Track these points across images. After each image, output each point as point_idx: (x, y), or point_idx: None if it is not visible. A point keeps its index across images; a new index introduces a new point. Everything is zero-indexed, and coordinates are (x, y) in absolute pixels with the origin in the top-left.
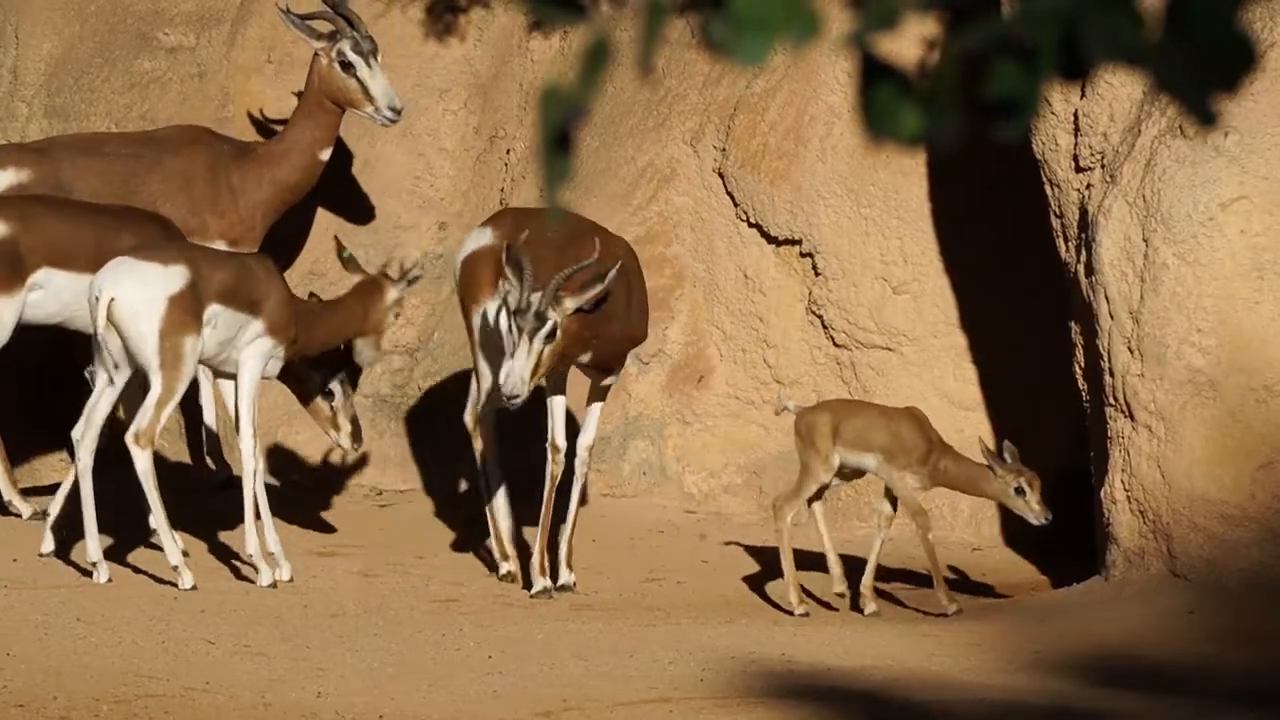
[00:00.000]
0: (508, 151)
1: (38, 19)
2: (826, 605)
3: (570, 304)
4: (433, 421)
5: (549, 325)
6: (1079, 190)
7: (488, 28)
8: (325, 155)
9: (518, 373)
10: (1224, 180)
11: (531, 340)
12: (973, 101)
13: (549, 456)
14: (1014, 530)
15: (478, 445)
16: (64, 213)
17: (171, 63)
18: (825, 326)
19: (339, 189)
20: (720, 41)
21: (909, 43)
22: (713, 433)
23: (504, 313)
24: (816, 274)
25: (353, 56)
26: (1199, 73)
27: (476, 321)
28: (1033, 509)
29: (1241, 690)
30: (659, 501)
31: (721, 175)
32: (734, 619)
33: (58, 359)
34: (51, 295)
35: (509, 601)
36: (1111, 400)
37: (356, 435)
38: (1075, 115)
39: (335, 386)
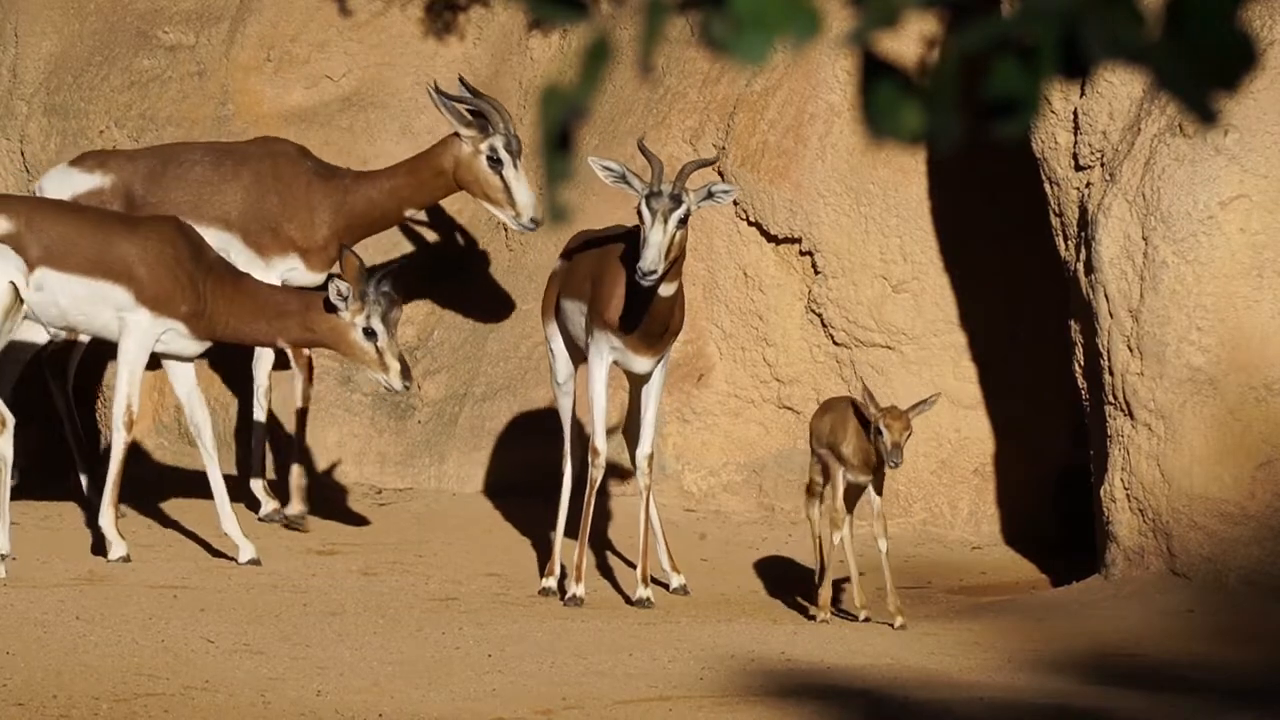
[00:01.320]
0: None
1: (37, 17)
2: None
3: (694, 198)
4: (432, 420)
5: (684, 208)
6: (1078, 189)
7: (487, 26)
8: (410, 215)
9: (654, 248)
10: (1223, 179)
11: (667, 221)
12: (973, 100)
13: (589, 461)
14: (1014, 529)
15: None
16: (67, 215)
17: (171, 61)
18: (825, 325)
19: None
20: (721, 40)
21: (909, 41)
22: (712, 431)
23: (641, 202)
24: (816, 272)
25: (504, 155)
26: (1199, 71)
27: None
28: None
29: (1241, 688)
30: (658, 500)
31: (721, 173)
32: (733, 618)
33: None
34: (48, 297)
35: (508, 600)
36: (1111, 399)
37: (406, 374)
38: (1075, 114)
39: (377, 325)
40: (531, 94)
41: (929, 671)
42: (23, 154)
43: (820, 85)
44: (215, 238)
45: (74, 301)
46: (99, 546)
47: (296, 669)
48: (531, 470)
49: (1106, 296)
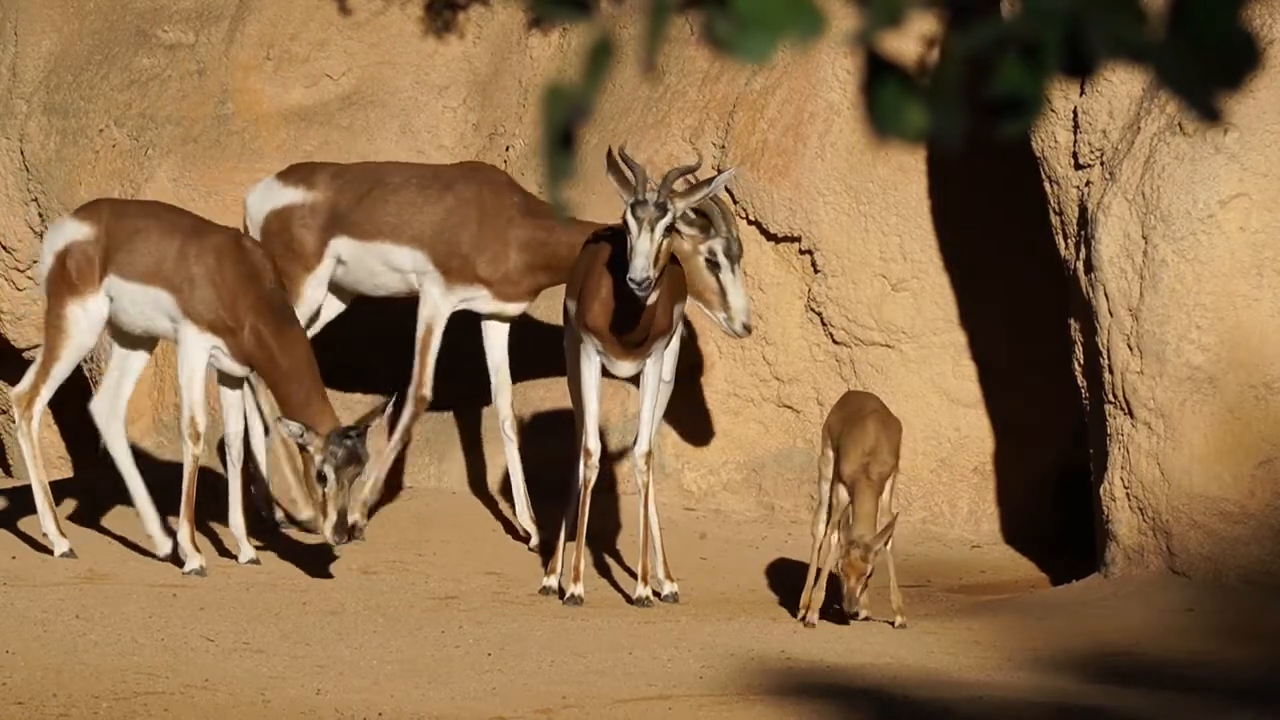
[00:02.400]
0: (507, 149)
1: (37, 16)
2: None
3: (681, 203)
4: (432, 419)
5: (669, 216)
6: (1078, 187)
7: (487, 25)
8: None
9: (642, 257)
10: (1223, 177)
11: (654, 230)
12: (976, 99)
13: (582, 461)
14: (1013, 527)
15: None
16: (140, 221)
17: (170, 60)
18: (824, 324)
19: None
20: (724, 39)
21: (912, 40)
22: (712, 430)
23: (626, 210)
24: (816, 271)
25: (723, 259)
26: (1202, 70)
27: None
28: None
29: (1241, 687)
30: (658, 498)
31: (720, 172)
32: (733, 616)
33: None
34: (118, 304)
35: (508, 599)
36: (1111, 397)
37: (339, 529)
38: (1075, 112)
39: (329, 472)
40: (531, 92)
41: (929, 670)
42: (22, 152)
43: (820, 84)
44: (409, 257)
45: (138, 308)
46: (175, 556)
47: (296, 667)
48: (531, 468)
49: (1106, 295)
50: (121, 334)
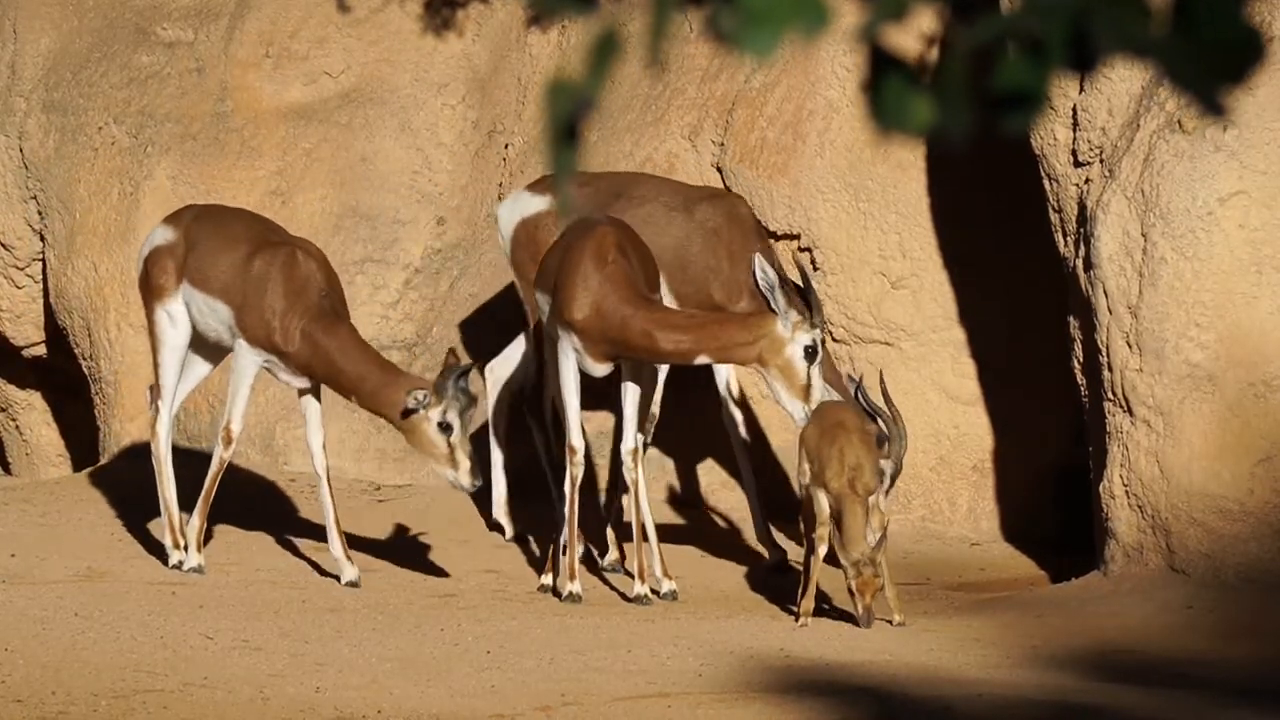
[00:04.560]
0: (506, 146)
1: (36, 13)
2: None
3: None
4: None
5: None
6: (1077, 185)
7: (486, 22)
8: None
9: (819, 393)
10: (1222, 175)
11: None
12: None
13: (567, 459)
14: (1013, 525)
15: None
16: (213, 228)
17: (170, 57)
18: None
19: (338, 185)
20: (729, 34)
21: (915, 36)
22: (712, 428)
23: (805, 344)
24: (815, 268)
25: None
26: (1206, 65)
27: None
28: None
29: (1240, 685)
30: (656, 496)
31: (720, 170)
32: (732, 614)
33: None
34: (192, 310)
35: (507, 596)
36: (1110, 395)
37: (475, 471)
38: (1074, 110)
39: (454, 419)
40: (530, 90)
41: (928, 668)
42: (21, 150)
43: (819, 81)
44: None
45: (204, 318)
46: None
47: (295, 666)
48: (530, 467)
49: (1105, 293)
50: (196, 338)
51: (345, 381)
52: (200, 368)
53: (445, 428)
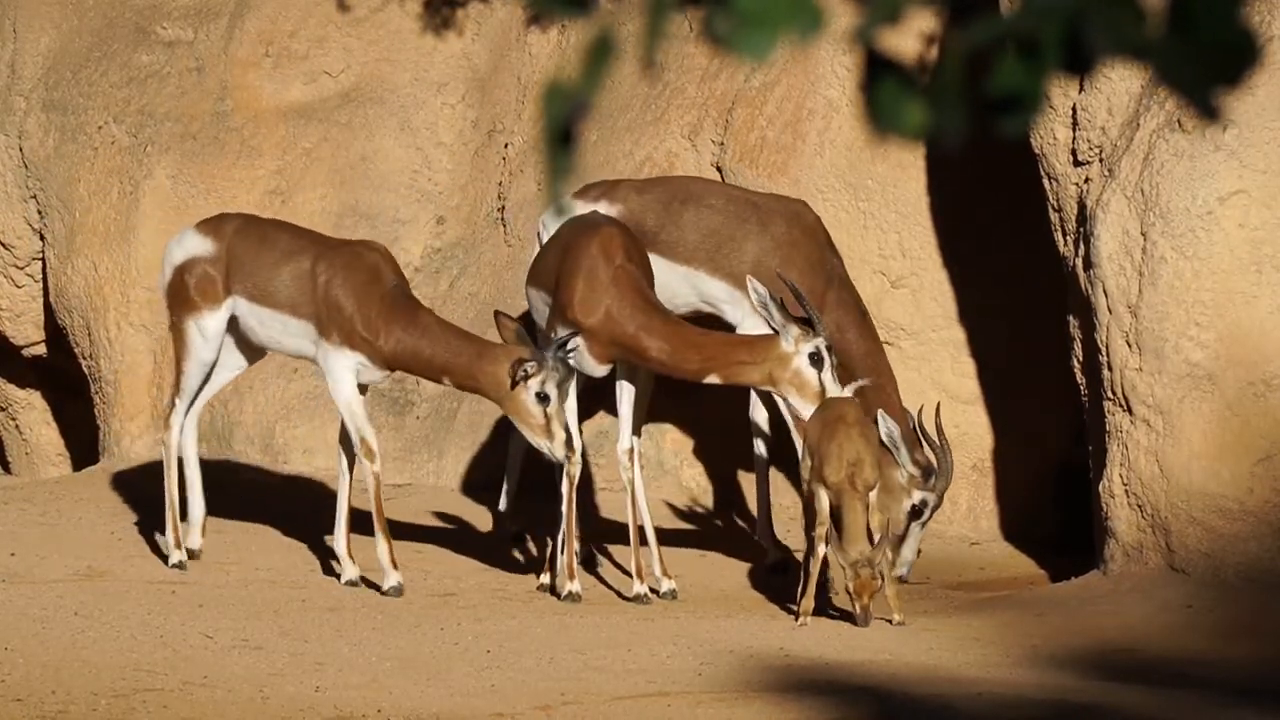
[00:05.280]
0: (506, 146)
1: (36, 13)
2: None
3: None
4: (431, 416)
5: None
6: (1077, 184)
7: (486, 22)
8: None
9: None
10: (1222, 174)
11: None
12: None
13: (565, 458)
14: (1012, 524)
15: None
16: (260, 239)
17: (169, 56)
18: None
19: (337, 184)
20: (724, 37)
21: (911, 38)
22: (711, 427)
23: (810, 353)
24: None
25: (927, 513)
26: (1202, 67)
27: None
28: None
29: (1240, 684)
30: (657, 495)
31: (719, 169)
32: (732, 613)
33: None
34: (246, 323)
35: (507, 596)
36: (1110, 394)
37: (569, 444)
38: (1073, 109)
39: (551, 390)
40: (530, 90)
41: (928, 667)
42: (21, 149)
43: (819, 81)
44: (723, 289)
45: (268, 330)
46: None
47: (295, 665)
48: (530, 465)
49: (1105, 292)
50: (238, 340)
51: (437, 364)
52: (230, 370)
53: (543, 398)
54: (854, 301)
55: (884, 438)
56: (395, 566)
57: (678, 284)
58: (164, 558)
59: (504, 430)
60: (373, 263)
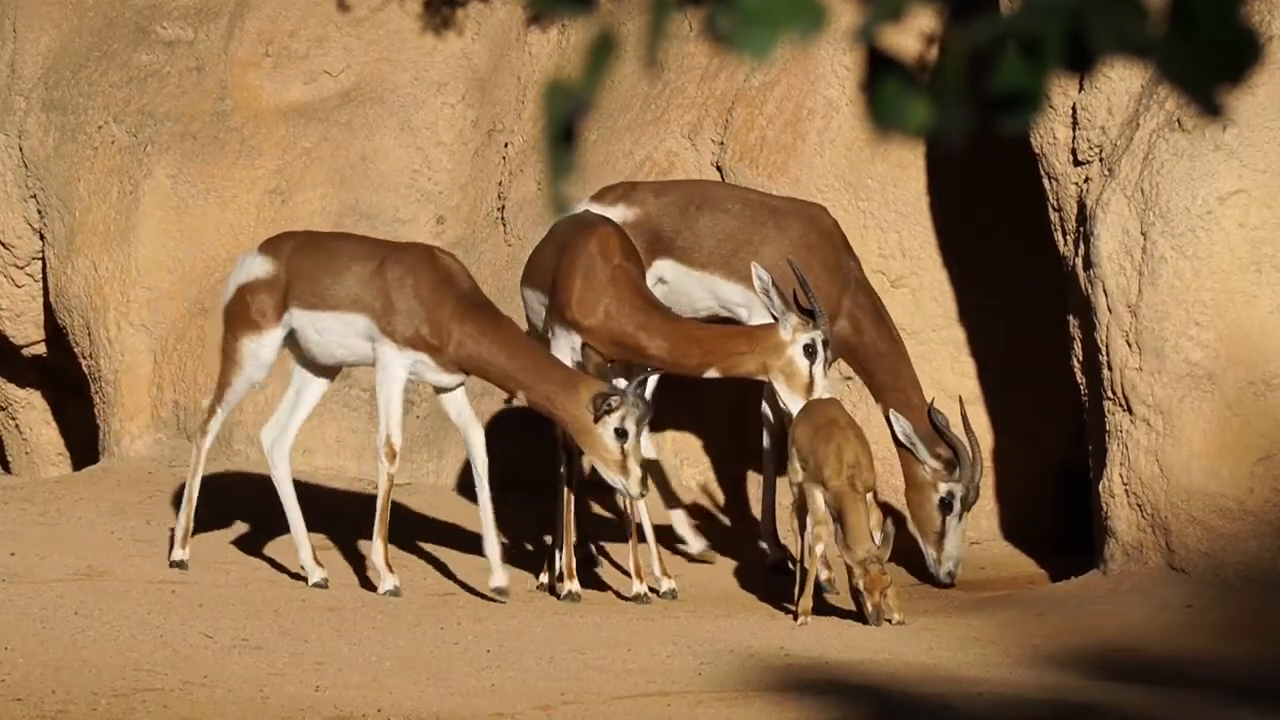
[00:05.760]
0: (506, 145)
1: (35, 12)
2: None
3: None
4: (431, 415)
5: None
6: (1077, 184)
7: (486, 21)
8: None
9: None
10: (1222, 174)
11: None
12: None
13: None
14: (1012, 524)
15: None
16: (318, 249)
17: (169, 56)
18: None
19: (337, 184)
20: (726, 35)
21: (913, 36)
22: (712, 427)
23: (805, 343)
24: None
25: (957, 504)
26: (1204, 65)
27: None
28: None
29: (1240, 684)
30: (656, 495)
31: (719, 168)
32: (732, 613)
33: None
34: (303, 334)
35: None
36: (1110, 394)
37: (644, 482)
38: (1073, 109)
39: (630, 426)
40: (530, 89)
41: (928, 666)
42: (21, 149)
43: (819, 80)
44: (739, 293)
45: (328, 336)
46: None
47: (295, 664)
48: (530, 465)
49: (1105, 292)
50: (308, 362)
51: (512, 379)
52: (314, 393)
53: (622, 434)
54: (872, 304)
55: (900, 437)
56: (391, 570)
57: (694, 288)
58: (170, 557)
59: (504, 430)
60: (446, 264)
